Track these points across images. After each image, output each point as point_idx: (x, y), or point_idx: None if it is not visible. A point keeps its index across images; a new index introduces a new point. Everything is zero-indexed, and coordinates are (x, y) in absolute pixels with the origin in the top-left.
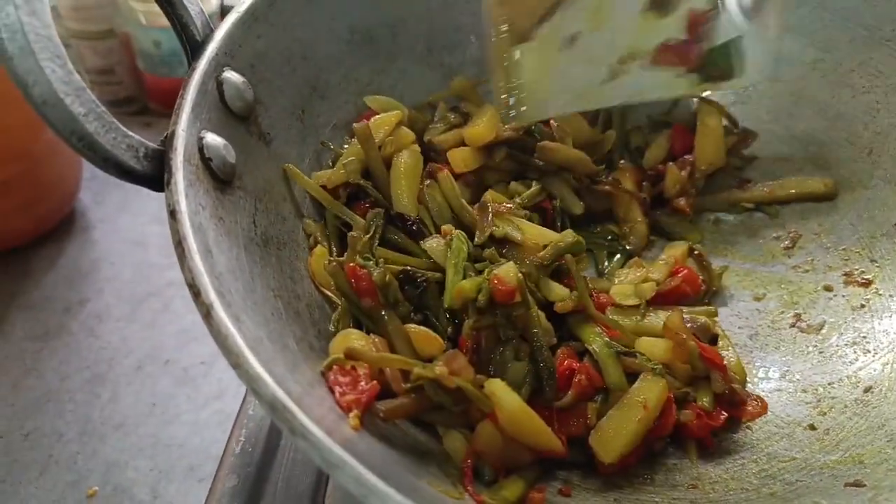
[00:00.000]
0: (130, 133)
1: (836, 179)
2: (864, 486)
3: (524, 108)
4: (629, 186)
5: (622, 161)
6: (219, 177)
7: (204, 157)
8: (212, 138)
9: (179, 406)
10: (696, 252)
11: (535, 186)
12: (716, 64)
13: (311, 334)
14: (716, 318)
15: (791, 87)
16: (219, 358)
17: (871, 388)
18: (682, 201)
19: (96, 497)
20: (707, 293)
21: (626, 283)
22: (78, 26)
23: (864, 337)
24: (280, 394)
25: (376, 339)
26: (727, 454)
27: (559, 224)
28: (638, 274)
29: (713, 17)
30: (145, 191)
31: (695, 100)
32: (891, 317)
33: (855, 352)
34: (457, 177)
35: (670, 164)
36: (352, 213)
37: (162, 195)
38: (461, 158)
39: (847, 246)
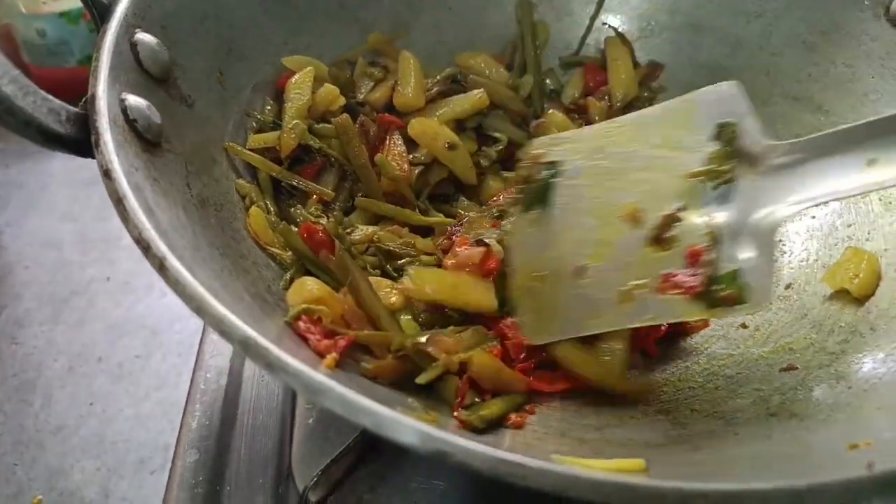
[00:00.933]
0: (50, 97)
1: None
2: (797, 368)
3: (538, 328)
4: (559, 121)
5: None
6: (146, 138)
7: (128, 118)
8: (133, 100)
9: (119, 402)
10: None
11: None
12: (721, 290)
13: (262, 290)
14: None
15: (690, 18)
16: (155, 349)
17: (790, 284)
18: None
19: None
20: None
21: None
22: None
23: (779, 240)
24: (249, 332)
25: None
26: (671, 360)
27: None
28: None
29: (712, 249)
30: (52, 188)
31: (603, 37)
32: (800, 219)
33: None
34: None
35: (590, 98)
36: (303, 179)
37: (69, 190)
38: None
39: None
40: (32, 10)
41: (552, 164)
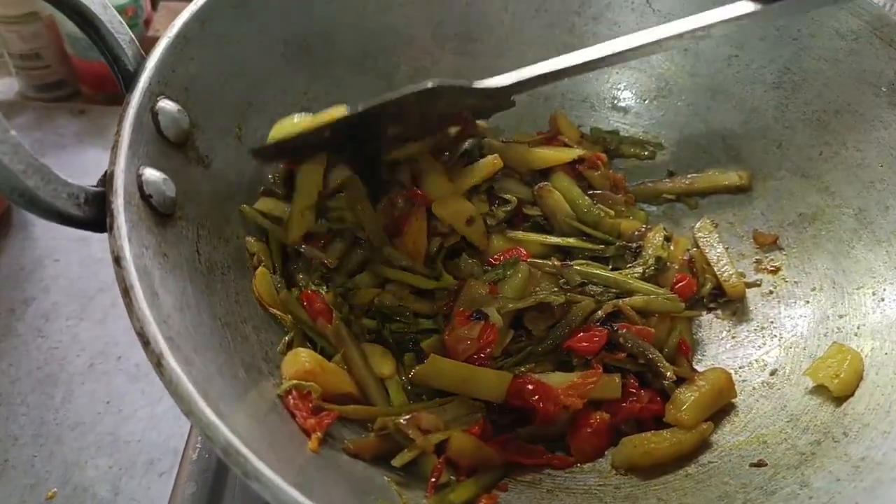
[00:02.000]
0: (69, 181)
1: (750, 172)
2: (766, 465)
3: None
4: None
5: None
6: (160, 212)
7: (144, 195)
8: (150, 174)
9: (135, 402)
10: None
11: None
12: None
13: (258, 358)
14: None
15: (708, 81)
16: None
17: (776, 370)
18: (620, 196)
19: (56, 499)
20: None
21: None
22: (0, 10)
23: (772, 322)
24: (232, 440)
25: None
26: None
27: None
28: None
29: None
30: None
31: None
32: (795, 303)
33: (762, 336)
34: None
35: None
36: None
37: None
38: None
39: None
40: None
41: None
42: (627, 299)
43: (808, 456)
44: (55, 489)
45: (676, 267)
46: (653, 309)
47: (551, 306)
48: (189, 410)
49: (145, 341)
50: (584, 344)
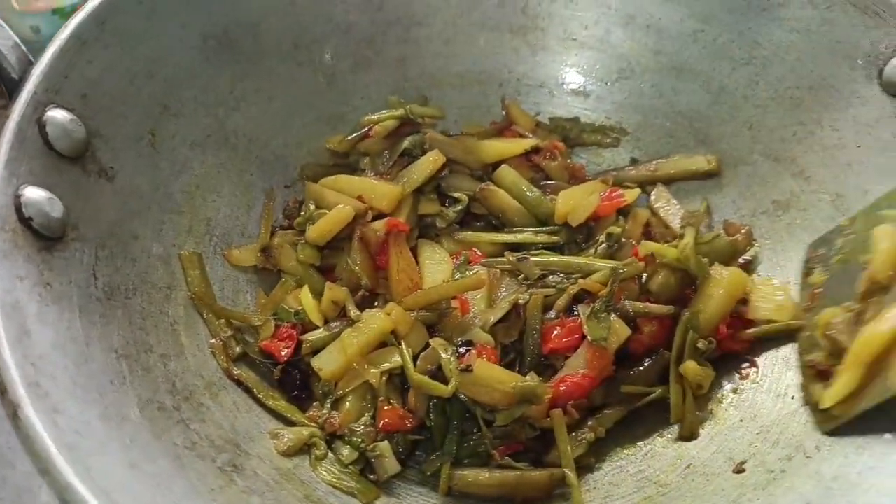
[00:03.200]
0: None
1: (719, 156)
2: (745, 471)
3: None
4: (510, 180)
5: None
6: (43, 235)
7: (23, 217)
8: (32, 193)
9: None
10: None
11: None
12: None
13: (163, 391)
14: None
15: (673, 60)
16: None
17: (747, 375)
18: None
19: None
20: None
21: None
22: None
23: None
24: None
25: None
26: (606, 458)
27: None
28: None
29: None
30: None
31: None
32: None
33: None
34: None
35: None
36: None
37: None
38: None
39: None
40: (25, 7)
41: None
42: (589, 278)
43: (778, 474)
44: None
45: (634, 242)
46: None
47: (517, 310)
48: (45, 470)
49: (2, 389)
50: (565, 340)
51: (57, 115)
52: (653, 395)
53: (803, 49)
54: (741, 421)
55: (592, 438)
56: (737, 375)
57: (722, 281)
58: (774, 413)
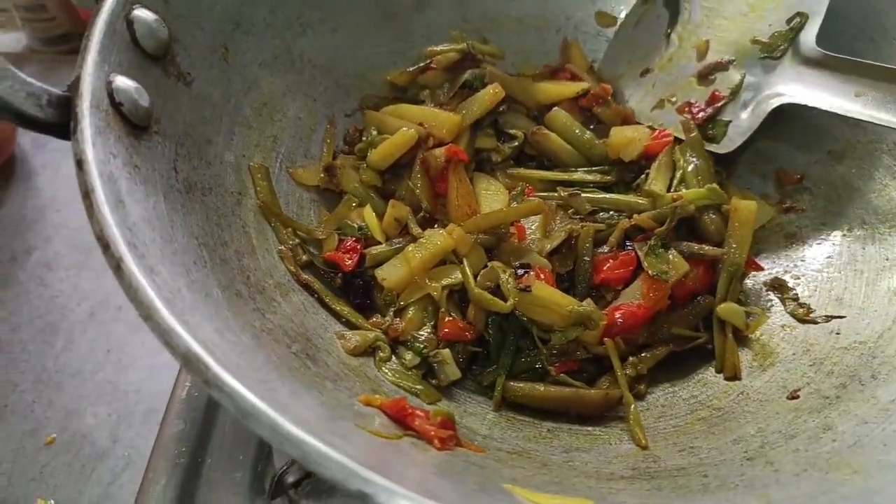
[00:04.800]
0: (31, 80)
1: None
2: (798, 397)
3: None
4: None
5: None
6: (132, 122)
7: (114, 101)
8: (122, 82)
9: (135, 352)
10: None
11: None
12: (710, 129)
13: (238, 281)
14: None
15: None
16: None
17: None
18: None
19: (55, 444)
20: None
21: None
22: None
23: (795, 264)
24: (193, 345)
25: None
26: (659, 382)
27: None
28: None
29: (727, 102)
30: None
31: None
32: (821, 244)
33: (786, 278)
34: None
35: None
36: None
37: None
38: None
39: None
40: None
41: None
42: (642, 215)
43: (833, 400)
44: (54, 435)
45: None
46: (665, 215)
47: (570, 242)
48: (148, 315)
49: (105, 245)
50: (617, 272)
51: (143, 14)
52: (698, 341)
53: (866, 6)
54: (793, 354)
55: (634, 374)
56: (783, 311)
57: (746, 213)
58: (828, 347)
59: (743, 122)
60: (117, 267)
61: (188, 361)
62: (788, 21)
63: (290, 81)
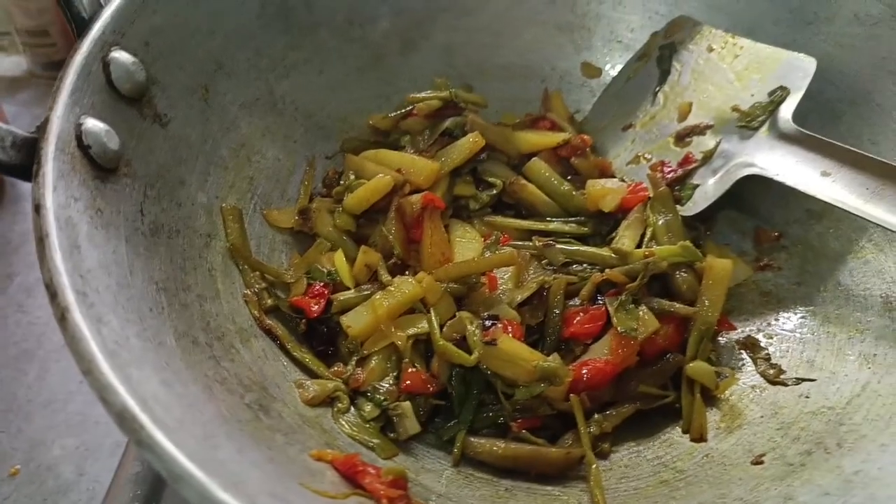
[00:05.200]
0: None
1: None
2: (763, 463)
3: None
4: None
5: None
6: (99, 164)
7: (82, 144)
8: (92, 124)
9: None
10: None
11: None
12: (678, 191)
13: (197, 327)
14: None
15: None
16: None
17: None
18: None
19: (18, 476)
20: None
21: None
22: None
23: (769, 324)
24: (129, 403)
25: None
26: (623, 441)
27: None
28: None
29: (698, 165)
30: None
31: None
32: (795, 304)
33: (758, 337)
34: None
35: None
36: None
37: None
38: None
39: None
40: None
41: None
42: (614, 270)
43: (797, 467)
44: (18, 466)
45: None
46: (637, 271)
47: (542, 293)
48: (87, 370)
49: (52, 293)
50: (587, 326)
51: (120, 56)
52: (665, 400)
53: (847, 63)
54: (761, 417)
55: (598, 432)
56: (754, 371)
57: (721, 272)
58: (796, 411)
59: (709, 187)
60: (62, 317)
61: (122, 420)
62: (770, 93)
63: (270, 123)
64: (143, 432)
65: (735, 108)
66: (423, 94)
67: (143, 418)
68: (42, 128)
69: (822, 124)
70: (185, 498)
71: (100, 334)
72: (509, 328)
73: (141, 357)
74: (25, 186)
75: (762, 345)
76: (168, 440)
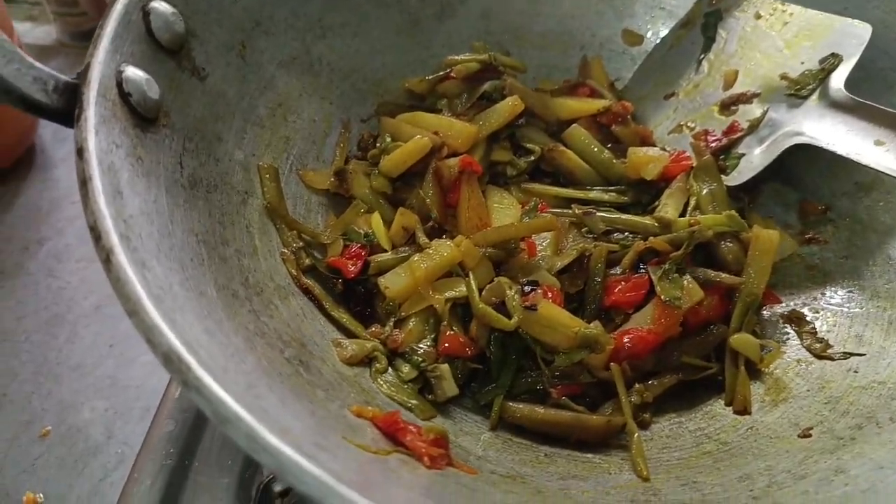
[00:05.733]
0: (38, 65)
1: None
2: (811, 436)
3: None
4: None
5: None
6: (139, 113)
7: (123, 92)
8: (133, 72)
9: (138, 348)
10: None
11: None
12: (723, 160)
13: (236, 281)
14: None
15: None
16: None
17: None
18: None
19: (49, 437)
20: None
21: None
22: None
23: (815, 298)
24: (176, 344)
25: None
26: (665, 412)
27: None
28: None
29: (744, 134)
30: None
31: None
32: (842, 279)
33: (805, 311)
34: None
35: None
36: None
37: None
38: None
39: None
40: None
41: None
42: (658, 238)
43: (847, 441)
44: (49, 427)
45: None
46: (682, 239)
47: (582, 261)
48: (133, 311)
49: (97, 235)
50: (629, 294)
51: (160, 6)
52: (708, 372)
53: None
54: (808, 391)
55: (639, 402)
56: (799, 345)
57: (768, 242)
58: (844, 385)
59: (755, 157)
60: (107, 259)
61: (169, 361)
62: (822, 61)
63: (306, 83)
64: (191, 374)
65: (784, 76)
66: (460, 57)
67: (190, 359)
68: (83, 74)
69: (874, 94)
70: (225, 446)
71: (144, 278)
72: (549, 294)
73: (184, 305)
74: (55, 155)
75: (808, 319)
76: (215, 382)
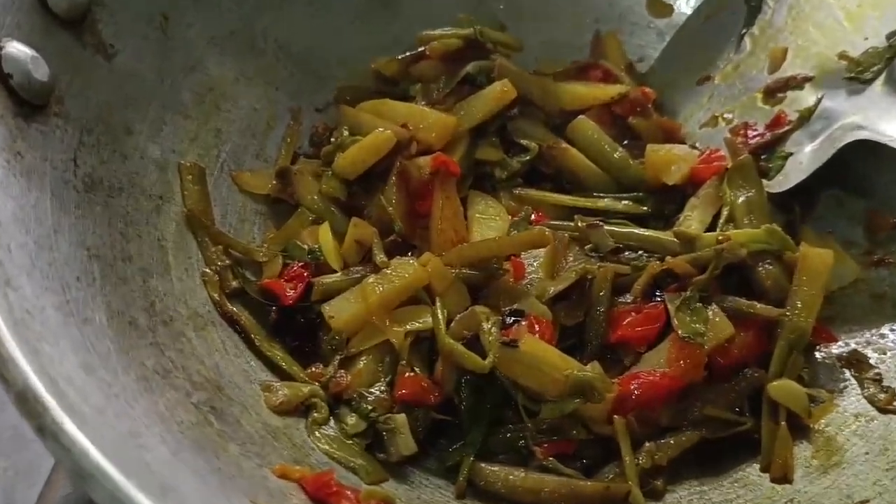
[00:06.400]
0: None
1: None
2: None
3: None
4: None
5: None
6: (22, 98)
7: (0, 72)
8: (15, 48)
9: None
10: None
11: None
12: (764, 160)
13: (137, 307)
14: None
15: None
16: None
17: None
18: None
19: None
20: None
21: None
22: None
23: (882, 335)
24: (32, 381)
25: None
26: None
27: None
28: None
29: (792, 128)
30: None
31: None
32: None
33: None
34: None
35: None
36: None
37: None
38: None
39: None
40: None
41: None
42: (677, 258)
43: None
44: None
45: None
46: (707, 259)
47: (583, 286)
48: None
49: None
50: (639, 329)
51: None
52: (740, 428)
53: None
54: (866, 454)
55: (649, 465)
56: (859, 395)
57: (819, 264)
58: None
59: (806, 156)
60: None
61: (22, 400)
62: (889, 36)
63: (246, 64)
64: (47, 416)
65: (843, 56)
66: (437, 32)
67: (48, 400)
68: None
69: None
70: None
71: (5, 298)
72: (537, 327)
73: (58, 332)
74: None
75: (872, 362)
76: (78, 429)
